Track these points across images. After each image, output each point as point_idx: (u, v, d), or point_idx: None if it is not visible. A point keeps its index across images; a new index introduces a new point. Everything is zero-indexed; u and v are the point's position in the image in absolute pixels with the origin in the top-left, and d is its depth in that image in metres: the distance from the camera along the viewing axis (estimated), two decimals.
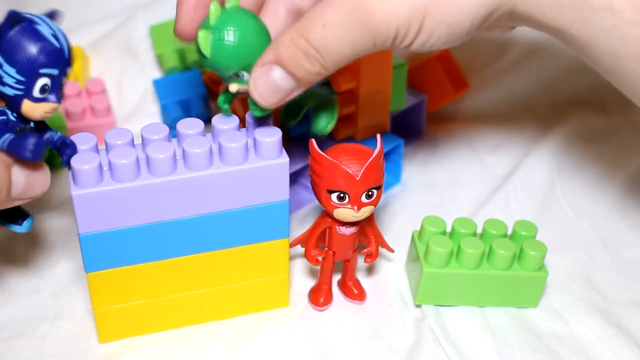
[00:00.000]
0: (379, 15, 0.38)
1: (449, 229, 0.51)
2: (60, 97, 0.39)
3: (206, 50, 0.40)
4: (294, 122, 0.48)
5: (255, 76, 0.40)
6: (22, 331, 0.48)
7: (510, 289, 0.49)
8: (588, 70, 0.51)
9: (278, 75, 0.40)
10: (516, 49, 0.70)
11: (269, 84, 0.40)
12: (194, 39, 0.41)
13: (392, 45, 0.40)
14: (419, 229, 0.51)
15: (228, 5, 0.41)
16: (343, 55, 0.39)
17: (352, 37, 0.39)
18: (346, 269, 0.50)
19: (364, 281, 0.51)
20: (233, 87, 0.42)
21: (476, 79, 0.70)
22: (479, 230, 0.51)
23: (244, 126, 0.45)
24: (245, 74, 0.41)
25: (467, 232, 0.49)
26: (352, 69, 0.53)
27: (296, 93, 0.41)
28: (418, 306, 0.50)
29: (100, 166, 0.40)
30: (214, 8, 0.40)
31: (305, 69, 0.40)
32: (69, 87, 0.64)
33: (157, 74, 0.70)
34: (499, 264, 0.48)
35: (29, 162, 0.40)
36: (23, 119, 0.39)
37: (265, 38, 0.41)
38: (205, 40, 0.40)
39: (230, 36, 0.40)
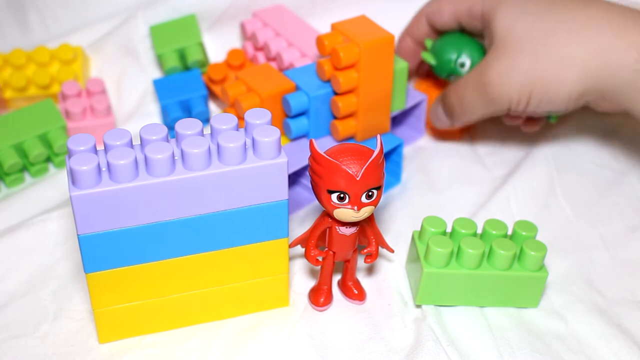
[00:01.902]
0: (497, 88, 0.55)
1: (449, 229, 0.51)
2: None
3: (432, 60, 0.61)
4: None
5: (433, 105, 0.61)
6: (22, 331, 0.48)
7: (510, 289, 0.49)
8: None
9: (440, 111, 0.60)
10: None
11: (436, 115, 0.61)
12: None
13: (508, 111, 0.57)
14: (419, 229, 0.51)
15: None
16: (474, 114, 0.58)
17: (478, 102, 0.57)
18: (346, 269, 0.50)
19: (364, 281, 0.51)
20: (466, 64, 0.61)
21: None
22: (479, 231, 0.51)
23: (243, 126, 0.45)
24: (464, 65, 0.61)
25: (468, 232, 0.49)
26: (352, 69, 0.53)
27: (455, 127, 0.61)
28: (418, 306, 0.50)
29: (99, 167, 0.40)
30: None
31: (454, 112, 0.59)
32: (69, 87, 0.64)
33: (157, 74, 0.70)
34: (499, 264, 0.48)
35: None
36: None
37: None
38: (428, 56, 0.62)
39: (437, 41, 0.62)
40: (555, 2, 0.55)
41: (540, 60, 0.53)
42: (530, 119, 0.62)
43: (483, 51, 0.60)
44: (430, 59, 0.61)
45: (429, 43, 0.62)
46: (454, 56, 0.60)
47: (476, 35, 0.61)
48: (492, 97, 0.55)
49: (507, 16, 0.55)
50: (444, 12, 0.61)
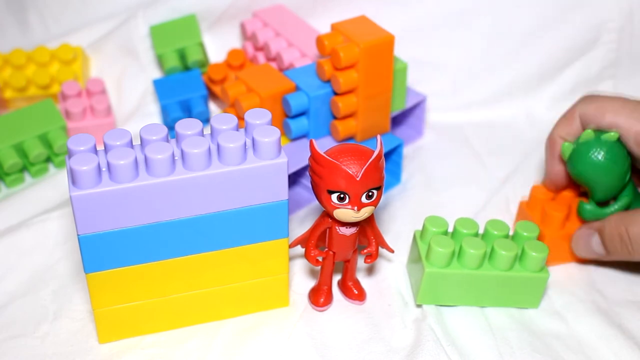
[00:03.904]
0: None
1: (450, 229, 0.51)
2: None
3: (564, 156, 0.51)
4: None
5: (579, 234, 0.52)
6: (22, 331, 0.48)
7: (511, 290, 0.49)
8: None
9: (595, 241, 0.51)
10: None
11: (586, 244, 0.51)
12: (566, 186, 0.54)
13: None
14: (419, 228, 0.51)
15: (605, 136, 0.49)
16: None
17: None
18: (346, 269, 0.50)
19: (364, 281, 0.51)
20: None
21: (476, 80, 0.70)
22: (481, 231, 0.51)
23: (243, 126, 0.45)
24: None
25: (469, 232, 0.49)
26: (352, 69, 0.53)
27: (603, 259, 0.51)
28: (419, 306, 0.50)
29: (99, 167, 0.40)
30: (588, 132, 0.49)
31: (616, 248, 0.50)
32: (69, 87, 0.64)
33: (157, 74, 0.70)
34: (501, 265, 0.48)
35: None
36: None
37: (617, 170, 0.49)
38: (566, 149, 0.50)
39: (586, 157, 0.49)
40: None
41: None
42: None
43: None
44: (564, 154, 0.51)
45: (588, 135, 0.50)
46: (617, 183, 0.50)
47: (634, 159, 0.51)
48: None
49: None
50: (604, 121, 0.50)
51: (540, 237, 0.51)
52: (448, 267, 0.48)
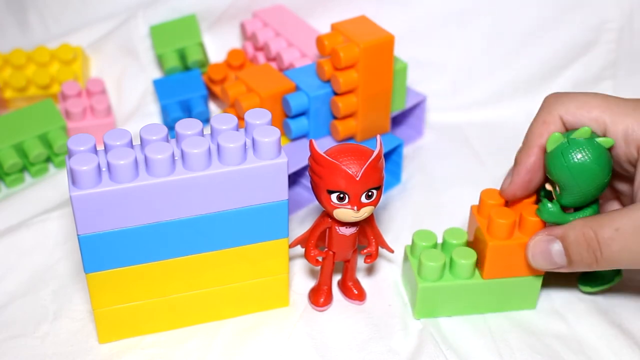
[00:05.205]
0: None
1: (440, 240, 0.51)
2: None
3: (549, 147, 0.44)
4: (590, 289, 0.51)
5: (538, 239, 0.46)
6: (22, 331, 0.48)
7: (507, 294, 0.49)
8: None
9: (556, 249, 0.45)
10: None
11: (545, 252, 0.45)
12: (521, 199, 0.48)
13: None
14: (419, 228, 0.51)
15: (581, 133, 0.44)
16: (619, 260, 0.43)
17: (637, 249, 0.42)
18: (346, 269, 0.50)
19: (364, 281, 0.51)
20: (548, 186, 0.47)
21: (476, 80, 0.70)
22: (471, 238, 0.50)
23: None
24: (558, 189, 0.45)
25: (458, 242, 0.49)
26: (352, 69, 0.53)
27: (562, 270, 0.46)
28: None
29: (99, 167, 0.40)
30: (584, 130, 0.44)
31: (581, 256, 0.44)
32: (69, 87, 0.64)
33: (157, 74, 0.70)
34: None
35: None
36: None
37: (599, 181, 0.44)
38: (554, 140, 0.44)
39: (578, 154, 0.44)
40: None
41: None
42: None
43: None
44: (550, 146, 0.45)
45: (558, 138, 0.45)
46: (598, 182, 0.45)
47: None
48: None
49: None
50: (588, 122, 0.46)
51: (482, 246, 0.47)
52: (441, 279, 0.48)
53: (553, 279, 0.51)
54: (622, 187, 0.49)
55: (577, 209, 0.46)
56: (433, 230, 0.50)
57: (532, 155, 0.47)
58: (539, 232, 0.46)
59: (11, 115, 0.62)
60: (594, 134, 0.45)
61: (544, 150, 0.46)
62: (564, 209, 0.46)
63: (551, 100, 0.47)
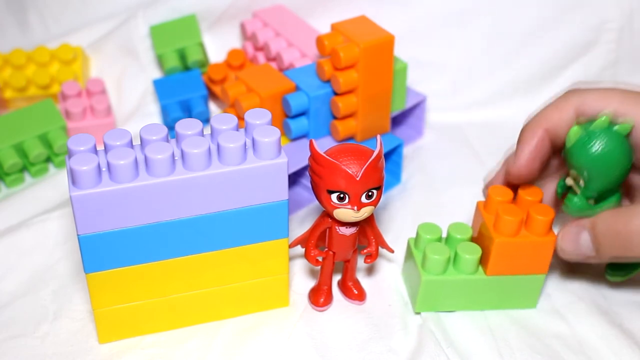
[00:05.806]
0: None
1: (444, 234, 0.51)
2: None
3: (569, 142, 0.45)
4: (620, 279, 0.51)
5: (567, 230, 0.47)
6: (22, 331, 0.48)
7: (509, 292, 0.49)
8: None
9: (585, 239, 0.46)
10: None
11: (574, 243, 0.46)
12: (526, 181, 0.48)
13: None
14: (416, 231, 0.50)
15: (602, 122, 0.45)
16: None
17: None
18: (346, 269, 0.50)
19: (364, 281, 0.51)
20: (569, 181, 0.47)
21: (476, 80, 0.70)
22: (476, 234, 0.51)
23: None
24: (582, 182, 0.46)
25: (463, 237, 0.49)
26: (352, 69, 0.53)
27: (591, 261, 0.46)
28: (417, 312, 0.50)
29: (99, 167, 0.40)
30: (604, 119, 0.45)
31: (610, 247, 0.45)
32: (69, 87, 0.64)
33: (157, 74, 0.70)
34: None
35: None
36: None
37: (621, 168, 0.45)
38: (574, 134, 0.45)
39: (598, 145, 0.44)
40: None
41: None
42: None
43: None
44: (569, 141, 0.46)
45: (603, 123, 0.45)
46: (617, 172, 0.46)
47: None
48: None
49: None
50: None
51: (487, 242, 0.47)
52: (444, 273, 0.48)
53: (578, 271, 0.51)
54: (637, 180, 0.50)
55: (601, 199, 0.47)
56: None
57: (535, 136, 0.47)
58: (567, 223, 0.47)
59: (11, 115, 0.62)
60: (611, 123, 0.45)
61: (549, 134, 0.47)
62: (589, 201, 0.47)
63: (571, 91, 0.48)
